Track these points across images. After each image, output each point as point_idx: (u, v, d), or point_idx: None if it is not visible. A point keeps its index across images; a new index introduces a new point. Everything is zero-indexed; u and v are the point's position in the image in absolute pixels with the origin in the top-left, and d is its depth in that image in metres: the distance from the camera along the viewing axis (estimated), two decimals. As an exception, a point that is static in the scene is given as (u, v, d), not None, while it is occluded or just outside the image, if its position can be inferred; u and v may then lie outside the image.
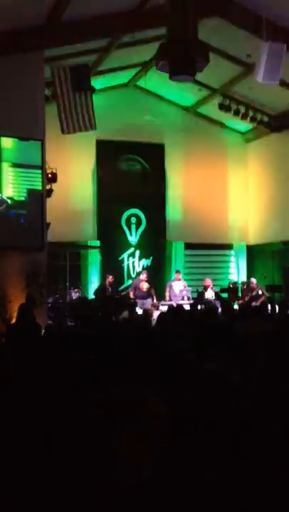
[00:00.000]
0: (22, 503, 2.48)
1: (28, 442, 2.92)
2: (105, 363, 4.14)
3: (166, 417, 2.69)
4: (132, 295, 12.11)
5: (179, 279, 12.91)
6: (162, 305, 11.69)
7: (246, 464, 2.67)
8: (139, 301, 11.64)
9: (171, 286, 12.78)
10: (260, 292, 12.62)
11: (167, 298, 12.56)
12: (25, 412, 3.18)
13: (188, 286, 12.97)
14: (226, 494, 2.62)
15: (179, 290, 12.63)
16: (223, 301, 11.31)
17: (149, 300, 11.94)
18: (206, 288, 12.65)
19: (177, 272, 13.20)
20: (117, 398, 2.69)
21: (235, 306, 11.52)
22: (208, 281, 12.89)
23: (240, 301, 12.53)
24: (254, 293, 12.67)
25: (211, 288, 12.74)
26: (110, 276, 12.29)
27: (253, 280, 13.02)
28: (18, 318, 7.29)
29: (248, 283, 13.32)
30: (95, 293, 12.19)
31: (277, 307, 10.11)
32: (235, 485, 2.59)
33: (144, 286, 12.11)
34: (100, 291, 12.08)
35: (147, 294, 12.08)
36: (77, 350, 4.71)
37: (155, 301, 12.02)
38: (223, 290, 12.93)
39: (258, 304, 11.15)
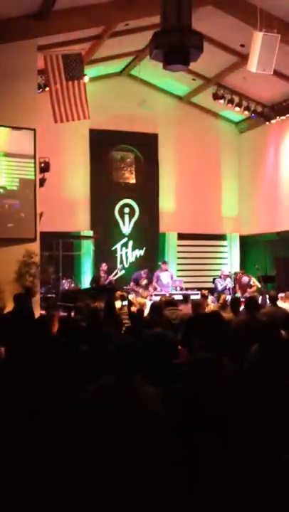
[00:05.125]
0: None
1: (22, 431, 2.93)
2: (99, 354, 4.15)
3: (156, 398, 2.71)
4: (131, 285, 12.23)
5: (166, 270, 12.99)
6: (155, 295, 11.73)
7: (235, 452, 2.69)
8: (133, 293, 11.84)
9: (158, 277, 12.85)
10: (251, 283, 12.65)
11: (156, 288, 12.62)
12: (23, 406, 3.18)
13: (181, 276, 13.00)
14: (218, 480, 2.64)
15: (166, 281, 12.69)
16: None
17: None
18: (224, 277, 12.74)
19: (164, 262, 13.28)
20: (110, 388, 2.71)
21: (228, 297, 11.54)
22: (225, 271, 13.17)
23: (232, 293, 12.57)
24: (245, 283, 12.75)
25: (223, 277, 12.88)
26: (104, 264, 12.45)
27: (245, 279, 13.07)
28: (15, 307, 7.19)
29: (239, 277, 13.34)
30: (91, 283, 12.32)
31: (267, 298, 10.12)
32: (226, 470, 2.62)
33: (144, 282, 12.45)
34: (94, 282, 12.19)
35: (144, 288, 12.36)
36: (73, 342, 4.72)
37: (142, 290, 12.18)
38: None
39: (249, 295, 11.17)
